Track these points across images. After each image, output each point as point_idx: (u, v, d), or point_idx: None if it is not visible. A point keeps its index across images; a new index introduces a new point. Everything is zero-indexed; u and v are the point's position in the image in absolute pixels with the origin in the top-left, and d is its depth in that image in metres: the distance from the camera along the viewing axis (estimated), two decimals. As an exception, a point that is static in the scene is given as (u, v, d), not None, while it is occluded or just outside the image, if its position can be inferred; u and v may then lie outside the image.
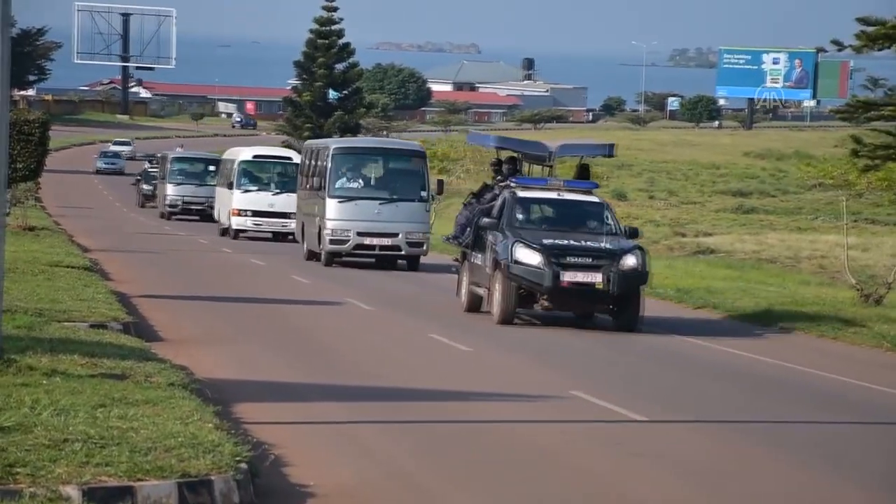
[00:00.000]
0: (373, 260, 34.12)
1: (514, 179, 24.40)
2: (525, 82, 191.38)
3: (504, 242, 22.45)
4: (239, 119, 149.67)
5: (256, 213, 44.80)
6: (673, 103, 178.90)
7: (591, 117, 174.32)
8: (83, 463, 9.40)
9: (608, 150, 25.90)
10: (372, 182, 33.69)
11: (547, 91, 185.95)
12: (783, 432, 14.23)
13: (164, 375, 13.65)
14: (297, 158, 44.08)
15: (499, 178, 25.16)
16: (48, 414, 10.86)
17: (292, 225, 41.84)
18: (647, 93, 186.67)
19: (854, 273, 31.29)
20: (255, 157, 46.27)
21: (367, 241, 33.22)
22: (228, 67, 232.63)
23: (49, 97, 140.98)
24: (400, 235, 33.31)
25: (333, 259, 33.71)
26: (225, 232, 46.17)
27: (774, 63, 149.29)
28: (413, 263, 33.91)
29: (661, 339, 22.25)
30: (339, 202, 33.14)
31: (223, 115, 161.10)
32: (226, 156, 49.62)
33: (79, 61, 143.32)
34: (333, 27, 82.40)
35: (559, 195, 23.69)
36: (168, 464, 9.57)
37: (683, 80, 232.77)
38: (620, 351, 20.54)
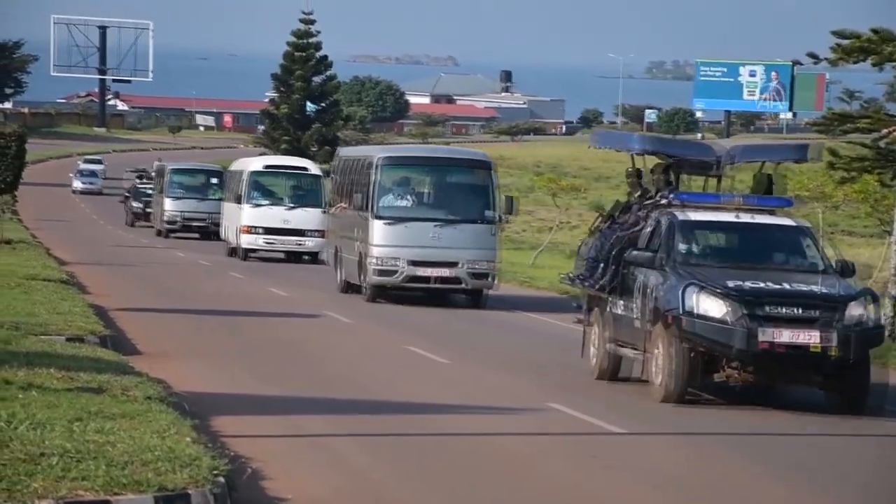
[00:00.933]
0: (422, 293, 28.55)
1: (674, 195, 18.02)
2: (503, 94, 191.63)
3: (670, 285, 16.36)
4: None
5: (269, 231, 40.63)
6: (650, 115, 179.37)
7: (564, 129, 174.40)
8: (60, 477, 9.37)
9: (802, 153, 19.51)
10: (427, 199, 28.21)
11: (524, 103, 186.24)
12: (764, 445, 14.26)
13: (141, 389, 13.62)
14: (314, 169, 41.93)
15: (640, 192, 19.02)
16: (24, 428, 10.82)
17: (309, 243, 40.14)
18: (625, 105, 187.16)
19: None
20: (266, 167, 42.28)
21: (422, 271, 27.59)
22: (206, 80, 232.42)
23: (26, 110, 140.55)
24: (461, 265, 27.61)
25: (379, 293, 28.21)
26: (233, 252, 42.07)
27: (751, 76, 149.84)
28: (476, 299, 28.28)
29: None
30: (387, 224, 27.64)
31: (201, 128, 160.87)
32: (233, 167, 45.54)
33: (56, 74, 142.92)
34: (311, 40, 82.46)
35: (738, 217, 17.48)
36: (145, 478, 9.55)
37: (660, 93, 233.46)
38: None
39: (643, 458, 13.05)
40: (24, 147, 34.80)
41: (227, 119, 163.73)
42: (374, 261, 27.65)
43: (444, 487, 11.31)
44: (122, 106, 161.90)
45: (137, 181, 66.48)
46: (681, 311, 15.97)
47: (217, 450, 11.01)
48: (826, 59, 24.83)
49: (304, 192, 41.21)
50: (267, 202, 41.03)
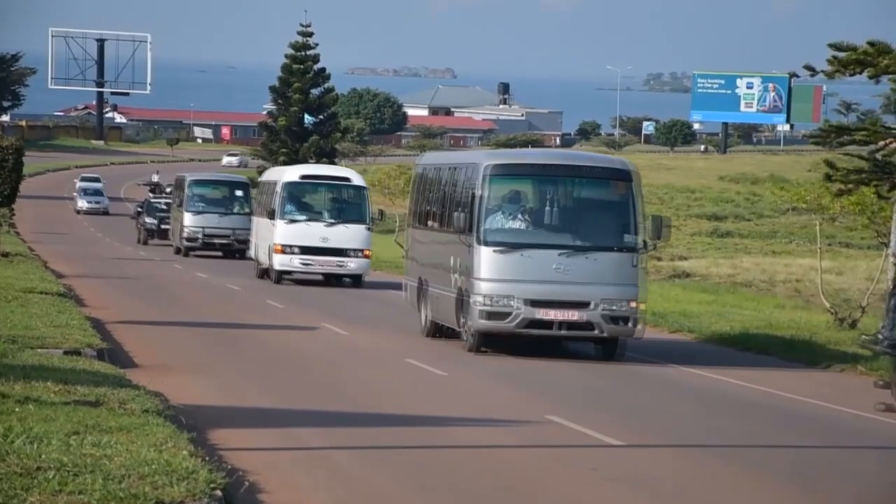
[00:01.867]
0: (538, 340, 22.38)
1: None
2: (501, 107, 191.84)
3: None
4: (236, 158, 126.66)
5: (306, 250, 35.88)
6: (648, 127, 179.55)
7: (558, 141, 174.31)
8: (56, 491, 9.35)
9: None
10: (550, 220, 21.95)
11: (522, 115, 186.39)
12: (761, 457, 14.25)
13: (138, 402, 13.60)
14: (357, 179, 36.77)
15: None
16: (21, 441, 10.80)
17: (351, 265, 35.90)
18: (622, 117, 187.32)
19: (829, 297, 31.41)
20: (303, 177, 36.85)
21: (543, 313, 21.40)
22: (204, 92, 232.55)
23: (24, 123, 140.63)
24: (594, 305, 21.40)
25: (485, 341, 22.09)
26: (264, 273, 37.71)
27: (748, 88, 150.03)
28: (611, 349, 22.20)
29: (637, 364, 22.26)
30: (498, 252, 21.54)
31: (199, 141, 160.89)
32: (264, 177, 41.23)
33: (54, 87, 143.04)
34: (309, 52, 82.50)
35: None
36: (142, 491, 9.52)
37: (658, 105, 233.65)
38: (596, 377, 20.53)
39: (643, 470, 13.04)
40: (21, 160, 34.81)
41: (225, 131, 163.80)
42: (480, 300, 21.52)
43: (445, 500, 11.28)
44: (119, 119, 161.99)
45: (150, 195, 62.00)
46: None
47: (214, 463, 10.99)
48: (823, 71, 24.85)
49: (346, 206, 36.47)
50: (303, 217, 36.15)
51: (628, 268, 21.72)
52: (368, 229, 36.25)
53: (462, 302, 22.20)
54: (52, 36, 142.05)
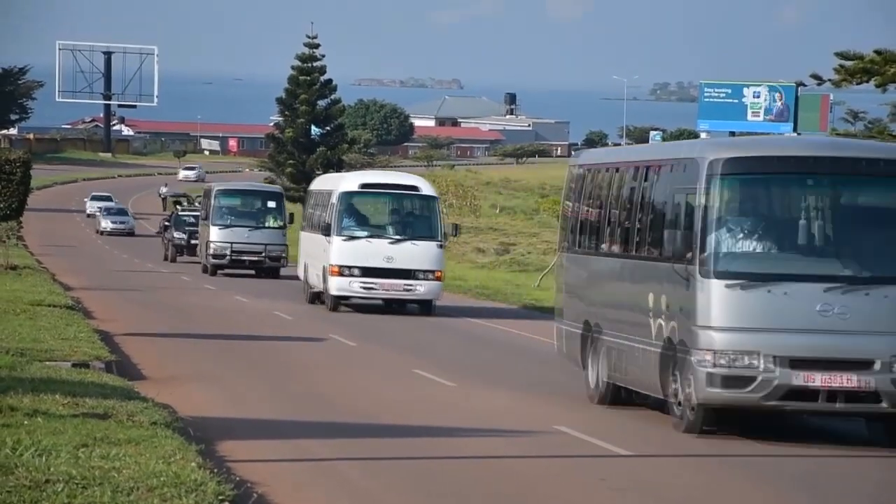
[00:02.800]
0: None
1: None
2: (507, 117, 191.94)
3: None
4: (193, 172, 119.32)
5: (367, 272, 30.69)
6: (655, 137, 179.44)
7: (558, 151, 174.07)
8: (65, 504, 9.35)
9: None
10: (813, 239, 15.47)
11: (529, 125, 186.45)
12: (768, 465, 14.21)
13: (146, 414, 13.60)
14: (426, 188, 31.78)
15: None
16: (30, 454, 10.80)
17: (420, 289, 30.72)
18: (629, 127, 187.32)
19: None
20: (363, 187, 31.61)
21: (807, 377, 14.97)
22: (211, 104, 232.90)
23: (31, 136, 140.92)
24: (879, 365, 14.93)
25: (709, 419, 15.48)
26: (316, 298, 32.92)
27: (755, 97, 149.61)
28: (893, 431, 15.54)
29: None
30: (737, 288, 15.15)
31: (206, 153, 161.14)
32: (315, 186, 35.81)
33: (61, 100, 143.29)
34: (315, 63, 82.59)
35: None
36: (151, 503, 9.52)
37: (665, 114, 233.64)
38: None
39: (651, 480, 13.01)
40: (29, 173, 34.86)
41: (232, 143, 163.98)
42: (709, 358, 15.00)
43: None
44: (127, 131, 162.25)
45: (178, 207, 57.05)
46: None
47: (223, 475, 10.99)
48: (830, 80, 24.85)
49: (414, 220, 31.49)
50: (364, 233, 31.04)
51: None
52: (440, 247, 31.21)
53: (672, 359, 15.59)
54: (60, 49, 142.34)
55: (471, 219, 69.54)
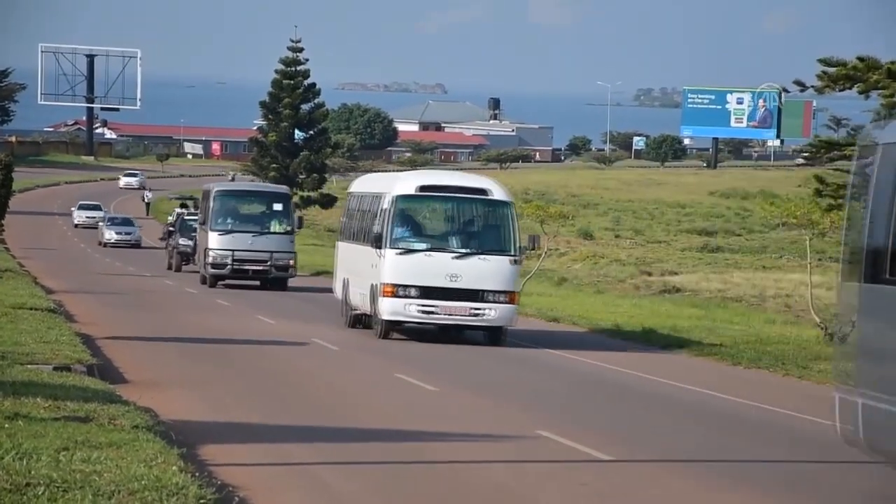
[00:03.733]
0: None
1: None
2: (491, 122, 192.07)
3: None
4: (135, 179, 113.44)
5: (427, 293, 25.77)
6: (638, 143, 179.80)
7: (537, 156, 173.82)
8: (46, 507, 9.32)
9: None
10: None
11: (513, 131, 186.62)
12: (749, 471, 14.25)
13: (128, 418, 13.57)
14: (498, 192, 26.45)
15: None
16: (10, 458, 10.77)
17: (490, 313, 25.70)
18: (613, 132, 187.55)
19: (819, 312, 31.45)
20: (422, 189, 26.56)
21: None
22: (194, 108, 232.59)
23: (13, 139, 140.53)
24: None
25: None
26: (358, 322, 28.21)
27: (738, 103, 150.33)
28: None
29: (628, 377, 22.25)
30: None
31: (189, 156, 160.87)
32: (358, 187, 30.48)
33: (43, 102, 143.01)
34: (299, 68, 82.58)
35: None
36: (132, 507, 9.49)
37: (648, 120, 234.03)
38: (587, 390, 20.51)
39: (631, 485, 13.02)
40: (10, 176, 34.85)
41: (216, 147, 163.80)
42: None
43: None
44: (109, 134, 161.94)
45: (183, 211, 53.01)
46: None
47: (204, 478, 10.96)
48: (813, 86, 24.94)
49: (484, 230, 26.42)
50: (423, 246, 26.08)
51: None
52: (515, 262, 25.98)
53: None
54: (42, 52, 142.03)
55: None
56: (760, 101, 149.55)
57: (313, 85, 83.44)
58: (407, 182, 26.89)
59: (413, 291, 25.78)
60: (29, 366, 17.60)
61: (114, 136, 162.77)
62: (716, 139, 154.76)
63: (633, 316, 33.77)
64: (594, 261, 60.53)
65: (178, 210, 54.64)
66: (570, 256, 62.60)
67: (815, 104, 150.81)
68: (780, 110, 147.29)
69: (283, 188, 44.35)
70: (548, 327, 31.51)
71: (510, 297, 25.88)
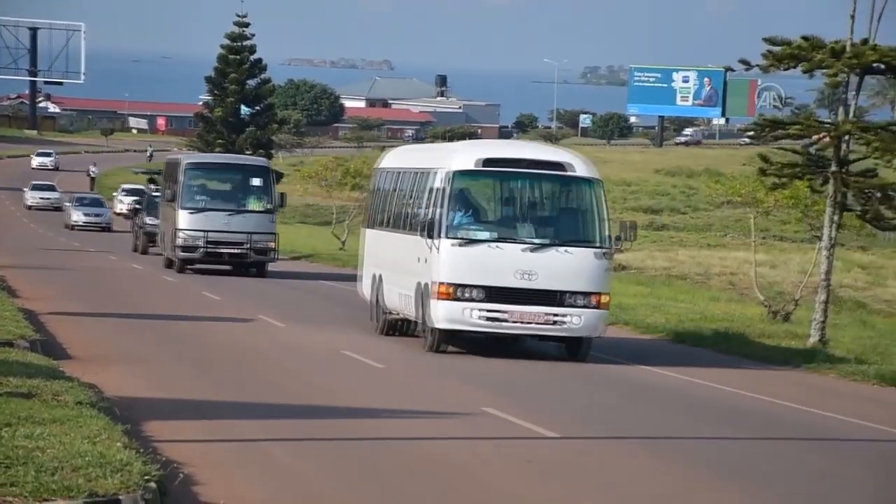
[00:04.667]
0: None
1: None
2: (438, 99, 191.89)
3: None
4: (49, 159, 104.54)
5: (495, 294, 20.65)
6: (585, 120, 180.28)
7: (479, 133, 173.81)
8: (-12, 483, 9.25)
9: None
10: None
11: (460, 108, 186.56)
12: (692, 447, 14.36)
13: (72, 394, 13.48)
14: (582, 168, 21.24)
15: None
16: (-48, 434, 10.67)
17: (573, 320, 20.63)
18: (560, 110, 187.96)
19: (763, 289, 31.71)
20: (487, 164, 21.34)
21: None
22: (139, 82, 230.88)
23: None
24: None
25: None
26: (394, 328, 23.17)
27: (684, 81, 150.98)
28: None
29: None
30: None
31: (134, 131, 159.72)
32: (391, 162, 24.74)
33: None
34: (245, 43, 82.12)
35: None
36: (75, 483, 9.44)
37: (595, 98, 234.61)
38: (532, 369, 20.56)
39: (577, 462, 13.09)
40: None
41: (161, 122, 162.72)
42: None
43: (381, 492, 11.28)
44: (53, 108, 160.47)
45: (151, 186, 49.18)
46: None
47: (149, 455, 10.92)
48: (758, 65, 25.08)
49: (565, 215, 21.43)
50: (488, 236, 20.88)
51: None
52: (605, 255, 20.96)
53: None
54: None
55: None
56: (706, 79, 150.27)
57: (259, 60, 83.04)
58: (467, 154, 21.55)
59: (476, 293, 20.63)
60: (-29, 341, 17.45)
61: (58, 110, 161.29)
62: (661, 117, 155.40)
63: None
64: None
65: (150, 187, 50.52)
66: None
67: (760, 83, 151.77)
68: (725, 89, 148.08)
69: (263, 160, 39.79)
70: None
71: (598, 299, 20.85)
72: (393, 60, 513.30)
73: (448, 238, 20.73)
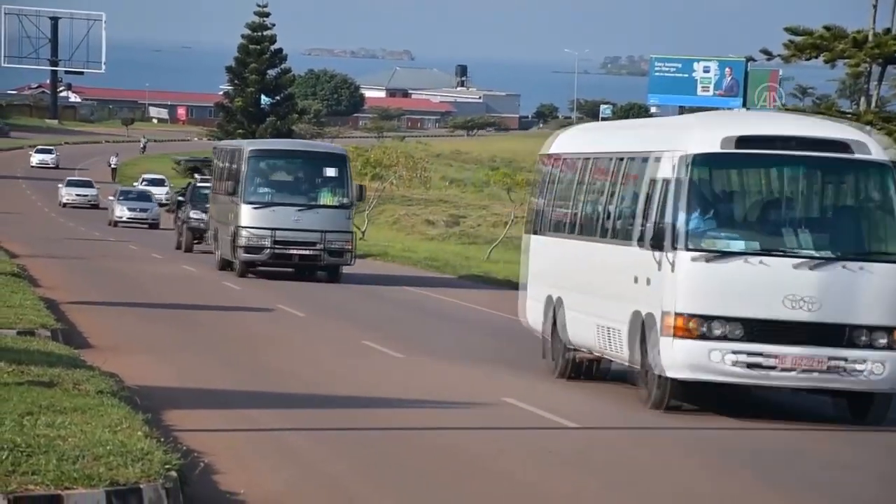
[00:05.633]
0: None
1: None
2: (458, 89, 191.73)
3: None
4: (50, 156, 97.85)
5: (760, 331, 14.72)
6: (605, 111, 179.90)
7: (495, 125, 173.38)
8: (9, 472, 9.28)
9: None
10: None
11: (480, 98, 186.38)
12: (718, 442, 14.32)
13: (92, 383, 13.52)
14: (873, 150, 15.17)
15: None
16: (-26, 422, 10.71)
17: (871, 368, 14.83)
18: (580, 100, 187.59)
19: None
20: (740, 143, 15.23)
21: None
22: (159, 72, 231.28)
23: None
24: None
25: None
26: (578, 370, 17.45)
27: (705, 72, 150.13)
28: None
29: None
30: None
31: (154, 121, 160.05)
32: (569, 146, 18.79)
33: (6, 65, 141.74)
34: (265, 33, 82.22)
35: None
36: (96, 472, 9.47)
37: (615, 88, 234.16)
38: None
39: (598, 453, 13.09)
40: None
41: (181, 112, 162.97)
42: None
43: (400, 482, 11.29)
44: (74, 98, 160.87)
45: (197, 177, 45.45)
46: None
47: (169, 444, 10.95)
48: (779, 55, 25.01)
49: (851, 217, 15.48)
50: (745, 247, 14.97)
51: None
52: None
53: None
54: (5, 13, 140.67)
55: (420, 190, 69.56)
56: (727, 69, 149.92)
57: (280, 50, 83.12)
58: (709, 131, 15.42)
59: (730, 328, 14.72)
60: (-7, 330, 17.51)
61: (78, 99, 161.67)
62: (682, 107, 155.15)
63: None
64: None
65: (195, 178, 46.02)
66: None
67: (781, 73, 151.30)
68: (746, 79, 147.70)
69: (338, 147, 33.78)
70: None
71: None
72: (413, 50, 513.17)
73: (689, 250, 14.76)
